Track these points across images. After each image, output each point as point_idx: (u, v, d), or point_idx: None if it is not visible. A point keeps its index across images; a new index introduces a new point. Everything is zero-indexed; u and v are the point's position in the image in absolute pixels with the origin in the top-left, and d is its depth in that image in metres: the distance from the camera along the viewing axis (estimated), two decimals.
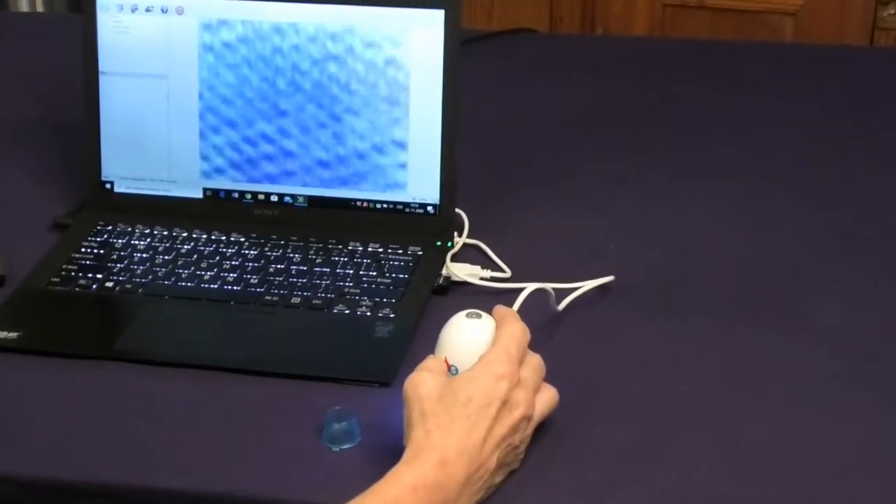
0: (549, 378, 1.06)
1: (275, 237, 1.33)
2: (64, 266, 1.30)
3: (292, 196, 1.36)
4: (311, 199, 1.36)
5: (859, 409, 1.10)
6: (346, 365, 1.16)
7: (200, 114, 1.36)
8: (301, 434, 1.07)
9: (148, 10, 1.35)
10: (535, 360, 1.05)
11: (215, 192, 1.37)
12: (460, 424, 0.97)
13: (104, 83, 1.37)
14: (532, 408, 1.01)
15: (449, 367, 1.04)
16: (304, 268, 1.28)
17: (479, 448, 0.97)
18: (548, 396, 1.05)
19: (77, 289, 1.27)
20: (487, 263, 1.30)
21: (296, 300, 1.24)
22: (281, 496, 1.01)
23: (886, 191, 1.45)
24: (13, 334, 1.19)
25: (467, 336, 1.06)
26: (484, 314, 1.07)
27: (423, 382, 1.00)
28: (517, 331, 1.05)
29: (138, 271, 1.28)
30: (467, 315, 1.07)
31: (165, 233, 1.34)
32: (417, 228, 1.33)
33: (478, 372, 1.01)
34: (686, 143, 1.57)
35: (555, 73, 1.79)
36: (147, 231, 1.35)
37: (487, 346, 1.04)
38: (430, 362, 1.04)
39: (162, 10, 1.35)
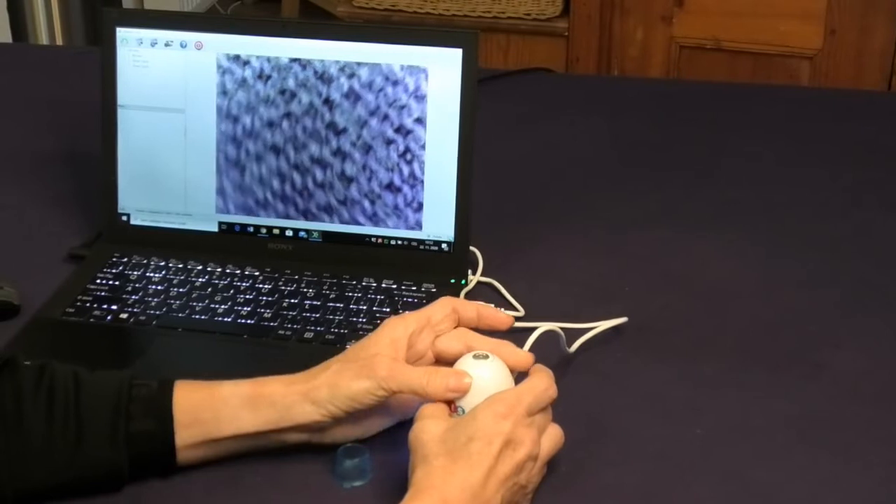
0: (560, 419, 1.05)
1: (289, 272, 1.33)
2: (79, 297, 1.30)
3: (307, 231, 1.36)
4: (326, 235, 1.36)
5: (871, 457, 1.09)
6: None
7: (217, 148, 1.36)
8: (312, 470, 1.06)
9: (167, 44, 1.36)
10: None
11: (230, 225, 1.38)
12: (462, 465, 0.97)
13: (122, 116, 1.38)
14: (537, 447, 1.01)
15: (455, 408, 1.04)
16: (318, 303, 1.28)
17: (482, 487, 0.96)
18: (552, 434, 1.04)
19: (91, 319, 1.27)
20: (501, 302, 1.30)
21: (308, 335, 1.24)
22: None
23: None
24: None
25: (474, 376, 1.05)
26: (491, 355, 1.06)
27: (424, 430, 1.00)
28: (539, 383, 1.04)
29: (152, 303, 1.29)
30: (474, 356, 1.06)
31: (180, 265, 1.35)
32: (431, 266, 1.33)
33: (480, 411, 1.00)
34: (701, 186, 1.57)
35: (570, 114, 1.79)
36: (162, 263, 1.35)
37: (494, 387, 1.03)
38: (428, 409, 1.03)
39: (181, 45, 1.35)
